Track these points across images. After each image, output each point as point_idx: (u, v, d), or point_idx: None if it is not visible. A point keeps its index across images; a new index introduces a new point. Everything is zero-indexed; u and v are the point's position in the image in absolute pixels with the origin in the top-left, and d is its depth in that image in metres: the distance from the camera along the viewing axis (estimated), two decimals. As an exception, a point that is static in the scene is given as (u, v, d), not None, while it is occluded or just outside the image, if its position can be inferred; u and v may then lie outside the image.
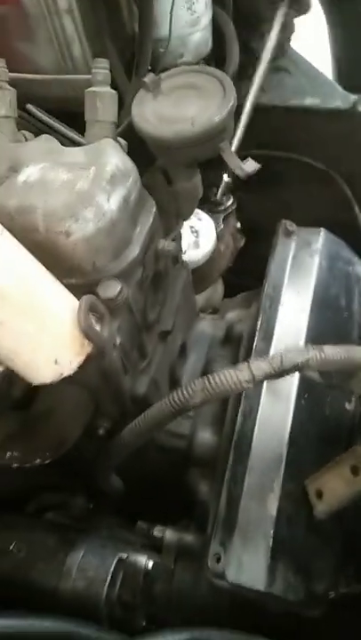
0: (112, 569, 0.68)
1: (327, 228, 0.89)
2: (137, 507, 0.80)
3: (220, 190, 0.93)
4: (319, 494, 0.62)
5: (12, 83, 0.65)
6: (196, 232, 0.84)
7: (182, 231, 0.86)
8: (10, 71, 0.79)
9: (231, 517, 0.61)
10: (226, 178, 0.93)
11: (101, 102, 0.61)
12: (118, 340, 0.55)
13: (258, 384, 0.53)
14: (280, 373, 0.53)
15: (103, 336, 0.49)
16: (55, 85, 0.75)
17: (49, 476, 0.79)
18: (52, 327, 0.46)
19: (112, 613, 0.68)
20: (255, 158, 0.60)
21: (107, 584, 0.67)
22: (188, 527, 0.72)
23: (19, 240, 0.47)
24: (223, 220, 0.93)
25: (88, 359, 0.48)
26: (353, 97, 0.90)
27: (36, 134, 0.65)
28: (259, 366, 0.52)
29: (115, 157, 0.55)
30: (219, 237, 0.92)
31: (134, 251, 0.57)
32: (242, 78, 0.95)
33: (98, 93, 0.61)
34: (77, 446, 0.60)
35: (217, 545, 0.60)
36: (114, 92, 0.62)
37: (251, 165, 0.59)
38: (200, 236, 0.86)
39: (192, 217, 0.90)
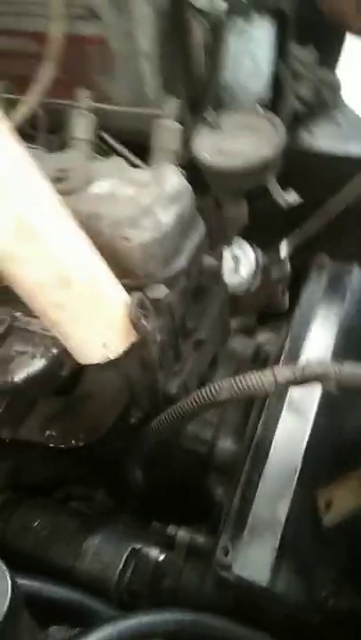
0: (125, 557, 0.73)
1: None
2: (155, 509, 0.85)
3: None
4: (328, 504, 0.66)
5: (93, 112, 0.75)
6: (237, 260, 0.91)
7: (225, 256, 0.94)
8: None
9: (243, 516, 0.66)
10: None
11: (167, 133, 0.71)
12: (158, 338, 0.62)
13: (280, 388, 0.59)
14: (301, 381, 0.58)
15: (147, 329, 0.56)
16: (129, 118, 0.85)
17: (77, 469, 0.85)
18: (105, 314, 0.53)
19: (121, 598, 0.72)
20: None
21: (118, 570, 0.72)
22: (200, 529, 0.77)
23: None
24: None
25: (132, 347, 0.55)
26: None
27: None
28: (282, 372, 0.58)
29: (174, 179, 0.64)
30: (260, 274, 1.00)
31: (182, 262, 0.64)
32: (296, 125, 1.04)
33: (165, 126, 0.71)
34: (110, 433, 0.67)
35: (226, 539, 0.64)
36: (179, 125, 0.71)
37: (292, 196, 0.66)
38: (240, 265, 0.93)
39: (237, 247, 0.98)
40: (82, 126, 0.73)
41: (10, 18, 0.93)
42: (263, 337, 0.92)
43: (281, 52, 0.94)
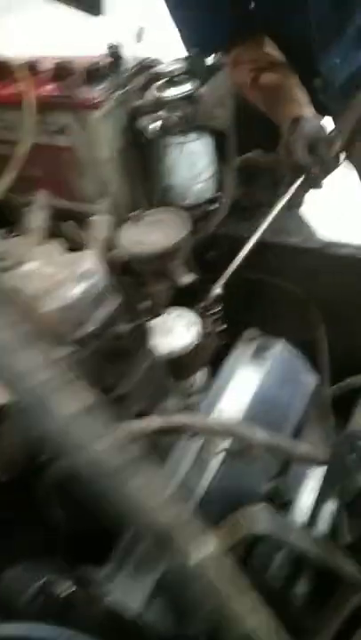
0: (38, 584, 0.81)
1: (295, 345, 1.06)
2: (84, 551, 0.93)
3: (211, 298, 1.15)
4: (205, 549, 0.74)
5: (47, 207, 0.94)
6: (172, 326, 1.05)
7: (163, 324, 1.08)
8: (64, 197, 1.11)
9: (128, 553, 0.74)
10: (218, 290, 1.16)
11: (98, 226, 0.88)
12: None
13: (151, 435, 0.69)
14: (168, 430, 0.69)
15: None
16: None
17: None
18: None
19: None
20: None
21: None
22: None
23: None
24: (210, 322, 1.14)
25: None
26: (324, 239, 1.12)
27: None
28: (153, 420, 0.69)
29: (88, 262, 0.80)
30: (202, 336, 1.12)
31: (91, 327, 0.79)
32: (244, 219, 1.21)
33: (96, 220, 0.88)
34: (25, 470, 0.78)
35: (107, 572, 0.73)
36: (109, 217, 0.89)
37: (188, 278, 0.81)
38: (181, 331, 1.07)
39: (180, 314, 1.12)
40: (36, 218, 0.91)
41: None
42: (198, 397, 1.03)
43: (224, 158, 1.13)
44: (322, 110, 1.31)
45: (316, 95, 1.28)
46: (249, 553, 0.76)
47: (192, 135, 1.02)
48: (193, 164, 1.05)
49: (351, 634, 0.72)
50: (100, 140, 1.07)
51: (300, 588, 0.78)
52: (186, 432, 0.70)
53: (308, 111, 1.22)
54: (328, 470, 0.73)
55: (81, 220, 0.99)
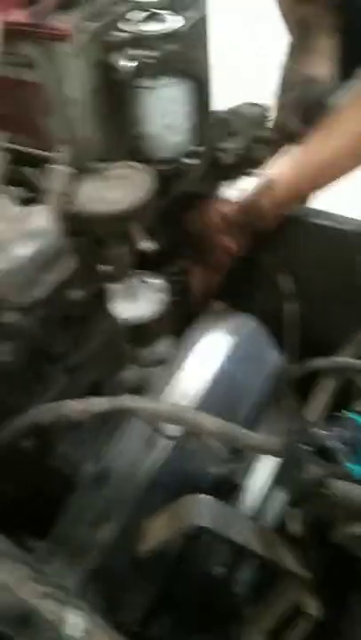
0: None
1: (266, 319, 1.01)
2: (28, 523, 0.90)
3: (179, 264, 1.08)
4: (146, 534, 0.71)
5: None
6: (135, 292, 0.99)
7: (127, 290, 1.01)
8: (30, 140, 1.01)
9: (66, 534, 0.71)
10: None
11: (55, 177, 0.79)
12: (4, 359, 0.69)
13: (93, 417, 0.64)
14: (112, 412, 0.64)
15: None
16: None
17: None
18: None
19: None
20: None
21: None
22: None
23: None
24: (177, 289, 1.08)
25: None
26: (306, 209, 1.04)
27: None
28: (95, 402, 0.64)
29: (41, 219, 0.71)
30: (168, 303, 1.06)
31: (40, 292, 0.71)
32: (223, 178, 1.12)
33: (54, 170, 0.79)
34: None
35: (41, 555, 0.69)
36: (67, 170, 0.79)
37: (147, 245, 0.73)
38: (138, 296, 1.01)
39: (146, 279, 1.05)
40: (-11, 163, 0.82)
41: None
42: (158, 369, 0.98)
43: (200, 110, 1.03)
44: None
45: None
46: (191, 540, 0.74)
47: (170, 79, 0.92)
48: (169, 111, 0.95)
49: (289, 625, 0.71)
50: (70, 76, 0.95)
51: (240, 576, 0.76)
52: (133, 416, 0.65)
53: (322, 71, 1.11)
54: (280, 461, 0.70)
55: (43, 167, 0.89)
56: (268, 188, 0.98)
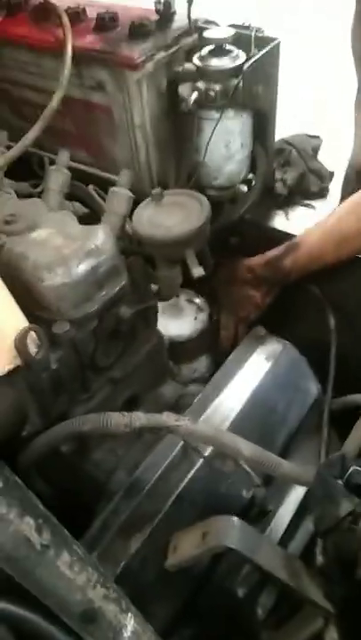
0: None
1: (306, 348, 1.02)
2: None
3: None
4: (175, 549, 0.73)
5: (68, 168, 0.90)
6: (181, 311, 1.02)
7: (171, 308, 1.04)
8: (94, 159, 1.07)
9: (97, 539, 0.74)
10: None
11: (117, 199, 0.83)
12: (54, 366, 0.73)
13: (134, 431, 0.67)
14: (152, 429, 0.67)
15: (33, 357, 0.67)
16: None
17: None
18: (-4, 336, 0.65)
19: None
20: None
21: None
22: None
23: (13, 275, 0.69)
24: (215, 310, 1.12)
25: (16, 369, 0.67)
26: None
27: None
28: (138, 417, 0.67)
29: (99, 239, 0.76)
30: (209, 323, 1.10)
31: (92, 307, 0.76)
32: (275, 208, 1.15)
33: (117, 192, 0.83)
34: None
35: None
36: (130, 194, 0.84)
37: (198, 272, 0.76)
38: (189, 316, 1.04)
39: (189, 299, 1.09)
40: (55, 179, 0.87)
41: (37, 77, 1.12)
42: (193, 388, 1.00)
43: (261, 140, 1.06)
44: None
45: None
46: (217, 559, 0.75)
47: (231, 112, 0.95)
48: (228, 142, 0.99)
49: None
50: (137, 102, 1.00)
51: (263, 600, 0.78)
52: (169, 433, 0.67)
53: None
54: (310, 492, 0.71)
55: (103, 186, 0.94)
56: (292, 248, 1.01)
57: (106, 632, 0.40)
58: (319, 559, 0.78)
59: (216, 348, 1.13)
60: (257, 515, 0.83)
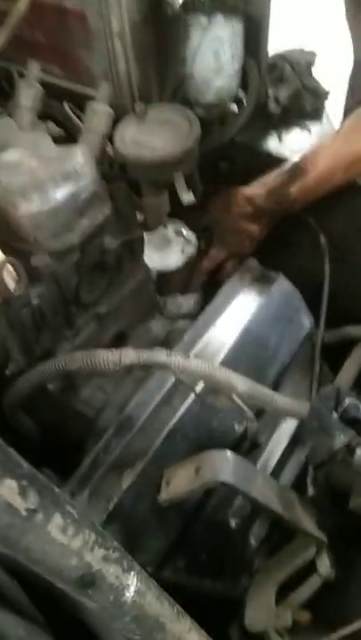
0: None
1: (299, 280, 0.98)
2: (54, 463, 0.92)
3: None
4: (167, 484, 0.72)
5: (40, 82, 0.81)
6: (168, 242, 0.96)
7: (158, 239, 0.99)
8: (68, 72, 0.96)
9: (88, 477, 0.73)
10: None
11: (97, 116, 0.75)
12: (35, 302, 0.68)
13: (123, 369, 0.64)
14: (143, 365, 0.63)
15: (11, 292, 0.62)
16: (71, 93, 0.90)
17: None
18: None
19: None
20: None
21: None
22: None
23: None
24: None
25: (-2, 305, 0.62)
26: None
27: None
28: (127, 354, 0.63)
29: (78, 160, 0.69)
30: (197, 255, 1.04)
31: (73, 238, 0.70)
32: (265, 126, 1.07)
33: (96, 108, 0.75)
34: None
35: (66, 492, 0.71)
36: (110, 110, 0.76)
37: (188, 198, 0.70)
38: (170, 246, 0.98)
39: (176, 230, 1.03)
40: (26, 94, 0.78)
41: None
42: (182, 323, 0.97)
43: (253, 53, 0.96)
44: None
45: None
46: (210, 492, 0.75)
47: (220, 17, 0.85)
48: (217, 53, 0.89)
49: (300, 581, 0.73)
50: (115, 6, 0.89)
51: (256, 530, 0.78)
52: (161, 370, 0.64)
53: None
54: (304, 424, 0.69)
55: (79, 102, 0.85)
56: (298, 175, 0.93)
57: (107, 594, 0.38)
58: (311, 489, 0.78)
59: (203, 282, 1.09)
60: (249, 448, 0.82)
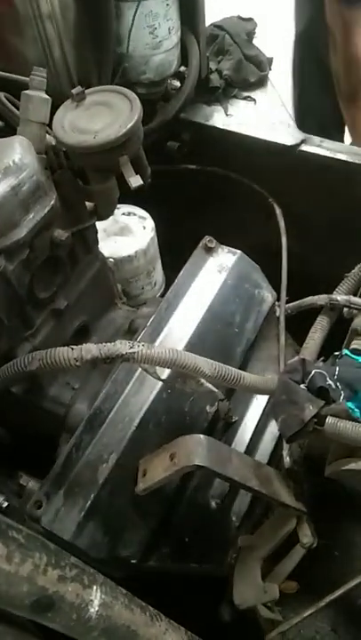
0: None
1: (258, 255, 0.97)
2: (25, 463, 0.90)
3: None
4: (144, 473, 0.71)
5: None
6: (126, 229, 0.94)
7: (112, 225, 0.96)
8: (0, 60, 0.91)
9: (63, 476, 0.71)
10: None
11: (32, 104, 0.72)
12: (-12, 305, 0.65)
13: (86, 364, 0.63)
14: (105, 359, 0.62)
15: None
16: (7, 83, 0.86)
17: None
18: None
19: None
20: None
21: None
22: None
23: None
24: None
25: None
26: (300, 135, 0.98)
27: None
28: (89, 349, 0.62)
29: (16, 153, 0.66)
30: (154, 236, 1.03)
31: (20, 233, 0.67)
32: (209, 100, 1.05)
33: (31, 96, 0.72)
34: None
35: (41, 494, 0.70)
36: (46, 97, 0.72)
37: (136, 181, 0.68)
38: (135, 231, 0.96)
39: (130, 211, 1.00)
40: None
41: None
42: (145, 310, 0.95)
43: (190, 25, 0.94)
44: None
45: None
46: (187, 476, 0.75)
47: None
48: (153, 28, 0.86)
49: (285, 553, 0.74)
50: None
51: (236, 507, 0.79)
52: (125, 361, 0.63)
53: None
54: (274, 399, 0.69)
55: (14, 92, 0.81)
56: None
57: (69, 614, 0.37)
58: (287, 461, 0.79)
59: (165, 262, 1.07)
60: (224, 427, 0.82)
